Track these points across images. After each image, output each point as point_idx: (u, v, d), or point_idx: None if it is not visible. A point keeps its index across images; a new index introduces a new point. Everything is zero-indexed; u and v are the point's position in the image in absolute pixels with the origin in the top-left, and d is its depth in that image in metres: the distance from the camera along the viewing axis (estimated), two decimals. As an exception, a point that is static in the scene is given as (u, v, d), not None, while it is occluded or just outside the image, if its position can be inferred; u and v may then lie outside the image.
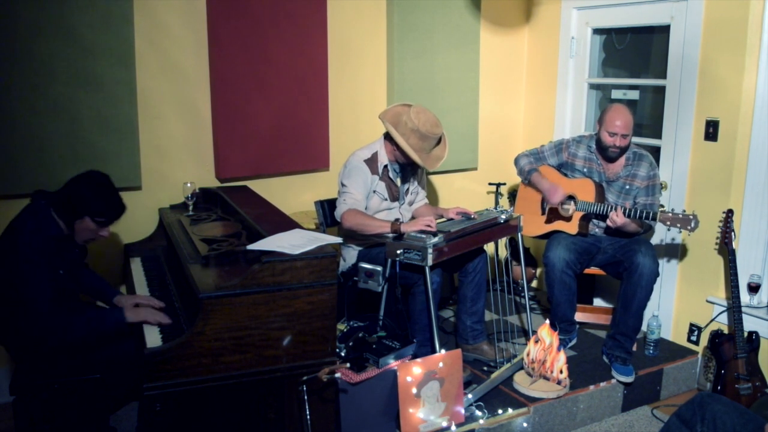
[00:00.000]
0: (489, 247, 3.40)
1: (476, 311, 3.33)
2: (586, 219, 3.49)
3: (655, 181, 3.41)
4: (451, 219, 3.18)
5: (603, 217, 3.41)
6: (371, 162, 3.20)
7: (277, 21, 3.65)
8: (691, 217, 3.12)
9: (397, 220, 3.01)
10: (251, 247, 2.52)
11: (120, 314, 2.55)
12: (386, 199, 3.26)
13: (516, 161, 3.70)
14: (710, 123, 3.47)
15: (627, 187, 3.43)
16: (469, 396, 2.91)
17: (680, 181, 3.66)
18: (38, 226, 2.51)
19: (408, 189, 3.38)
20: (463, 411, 2.79)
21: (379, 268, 2.89)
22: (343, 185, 3.18)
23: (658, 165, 3.55)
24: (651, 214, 3.21)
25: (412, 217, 3.42)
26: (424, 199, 3.52)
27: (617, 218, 3.23)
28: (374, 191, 3.21)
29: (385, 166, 3.24)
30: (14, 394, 2.58)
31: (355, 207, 3.08)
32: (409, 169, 3.30)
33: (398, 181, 3.32)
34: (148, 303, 2.65)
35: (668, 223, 3.18)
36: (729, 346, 3.22)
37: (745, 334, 3.21)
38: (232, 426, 2.43)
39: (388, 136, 3.23)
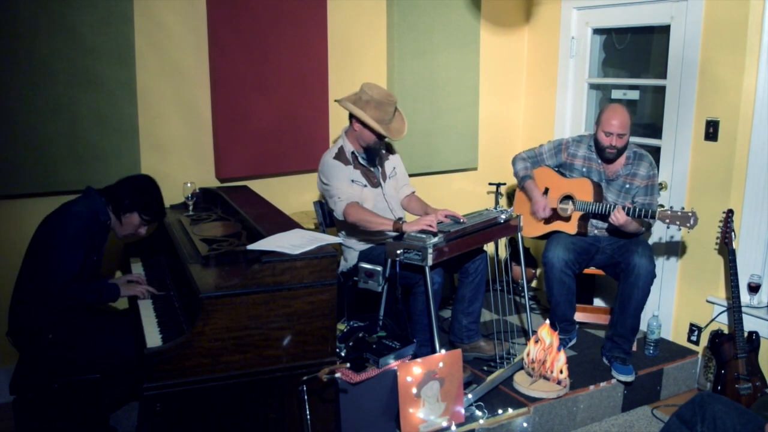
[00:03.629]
0: (489, 247, 3.40)
1: (473, 311, 3.34)
2: (585, 219, 3.49)
3: (654, 181, 3.41)
4: (440, 222, 3.14)
5: (602, 216, 3.41)
6: (340, 155, 3.26)
7: (278, 21, 3.65)
8: (690, 214, 3.11)
9: (399, 219, 3.02)
10: (251, 247, 2.52)
11: (116, 290, 2.79)
12: (366, 186, 3.28)
13: (512, 163, 3.70)
14: (710, 123, 3.47)
15: (627, 186, 3.43)
16: (469, 396, 2.91)
17: (680, 181, 3.66)
18: (91, 208, 2.77)
19: (384, 173, 3.40)
20: (463, 411, 2.79)
21: (379, 268, 2.89)
22: (327, 185, 3.22)
23: (658, 165, 3.56)
24: (650, 212, 3.21)
25: (407, 215, 3.42)
26: (410, 188, 3.52)
27: (619, 216, 3.23)
28: (352, 181, 3.24)
29: (353, 153, 3.29)
30: (14, 393, 2.58)
31: (352, 200, 3.13)
32: (374, 152, 3.31)
33: (370, 167, 3.35)
34: (137, 279, 2.92)
35: (667, 220, 3.17)
36: (729, 346, 3.22)
37: (745, 334, 3.21)
38: (232, 426, 2.43)
39: (348, 126, 3.31)
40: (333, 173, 3.21)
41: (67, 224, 2.68)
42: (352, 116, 3.24)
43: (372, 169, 3.34)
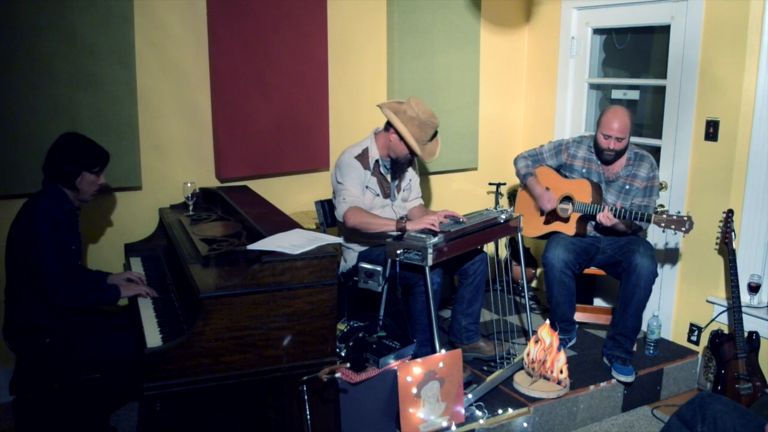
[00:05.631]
0: (489, 247, 3.40)
1: (472, 312, 3.33)
2: (583, 220, 3.48)
3: (653, 183, 3.41)
4: (440, 222, 3.14)
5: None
6: (362, 158, 3.23)
7: (278, 21, 3.65)
8: (685, 218, 3.11)
9: (402, 218, 3.01)
10: (251, 247, 2.52)
11: (116, 291, 2.79)
12: (378, 195, 3.27)
13: (514, 163, 3.71)
14: (710, 123, 3.47)
15: (627, 187, 3.43)
16: (469, 396, 2.91)
17: (680, 181, 3.66)
18: (53, 202, 2.71)
19: (399, 186, 3.39)
20: (463, 411, 2.79)
21: (379, 269, 2.89)
22: (339, 183, 3.19)
23: (658, 165, 3.55)
24: (645, 216, 3.20)
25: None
26: (418, 200, 3.52)
27: (604, 220, 3.24)
28: (367, 187, 3.23)
29: (377, 161, 3.26)
30: (14, 394, 2.58)
31: (355, 204, 3.10)
32: (399, 166, 3.31)
33: (388, 177, 3.33)
34: (137, 278, 2.91)
35: (662, 224, 3.17)
36: (729, 346, 3.22)
37: (745, 334, 3.21)
38: (232, 426, 2.43)
39: (382, 131, 3.27)
40: (348, 173, 3.17)
41: (37, 224, 2.63)
42: (389, 125, 3.19)
43: (389, 180, 3.32)
